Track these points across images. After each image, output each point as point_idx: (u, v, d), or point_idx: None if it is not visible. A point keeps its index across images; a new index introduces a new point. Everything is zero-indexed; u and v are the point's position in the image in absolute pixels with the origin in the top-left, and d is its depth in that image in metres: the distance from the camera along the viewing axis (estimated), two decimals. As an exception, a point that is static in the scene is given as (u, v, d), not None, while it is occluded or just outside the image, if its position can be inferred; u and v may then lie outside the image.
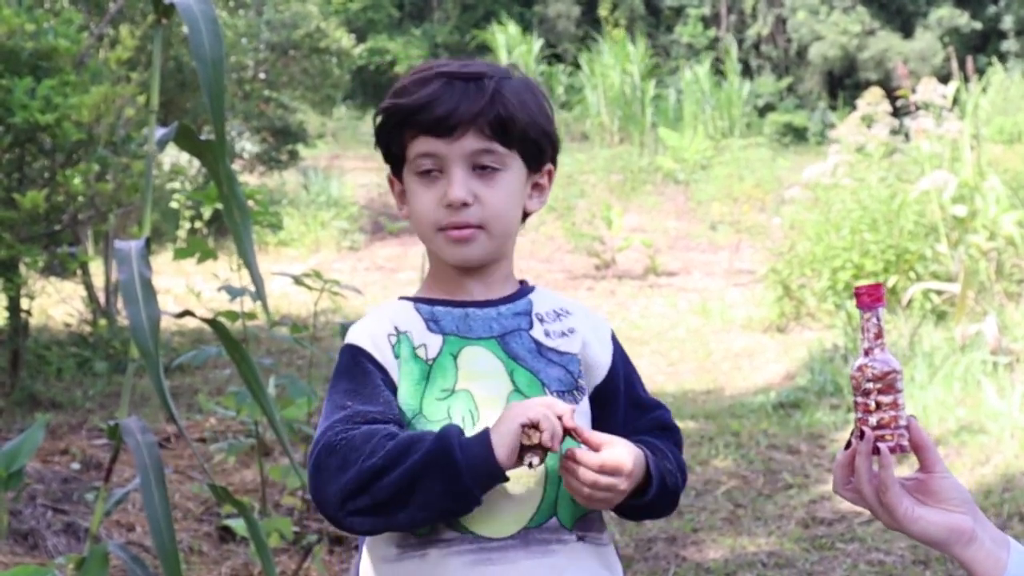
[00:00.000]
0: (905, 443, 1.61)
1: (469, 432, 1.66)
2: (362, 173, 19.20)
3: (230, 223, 2.69)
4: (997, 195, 8.54)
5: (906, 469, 1.75)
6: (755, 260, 11.44)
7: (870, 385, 1.61)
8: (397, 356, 1.75)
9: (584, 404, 1.80)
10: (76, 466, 5.15)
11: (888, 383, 1.60)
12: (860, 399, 1.62)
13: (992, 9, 28.87)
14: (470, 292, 1.81)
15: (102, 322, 7.65)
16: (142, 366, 2.51)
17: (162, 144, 2.68)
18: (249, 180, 14.30)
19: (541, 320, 1.83)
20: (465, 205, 1.74)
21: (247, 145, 14.25)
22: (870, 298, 1.62)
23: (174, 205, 11.08)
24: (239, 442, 4.36)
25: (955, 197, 8.40)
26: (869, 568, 4.33)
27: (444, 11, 30.36)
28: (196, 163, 11.26)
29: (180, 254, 3.58)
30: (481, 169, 1.75)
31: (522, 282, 1.88)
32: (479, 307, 1.81)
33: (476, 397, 1.74)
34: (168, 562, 2.45)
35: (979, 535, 1.62)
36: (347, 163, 20.05)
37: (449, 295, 1.82)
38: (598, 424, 1.81)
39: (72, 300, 7.97)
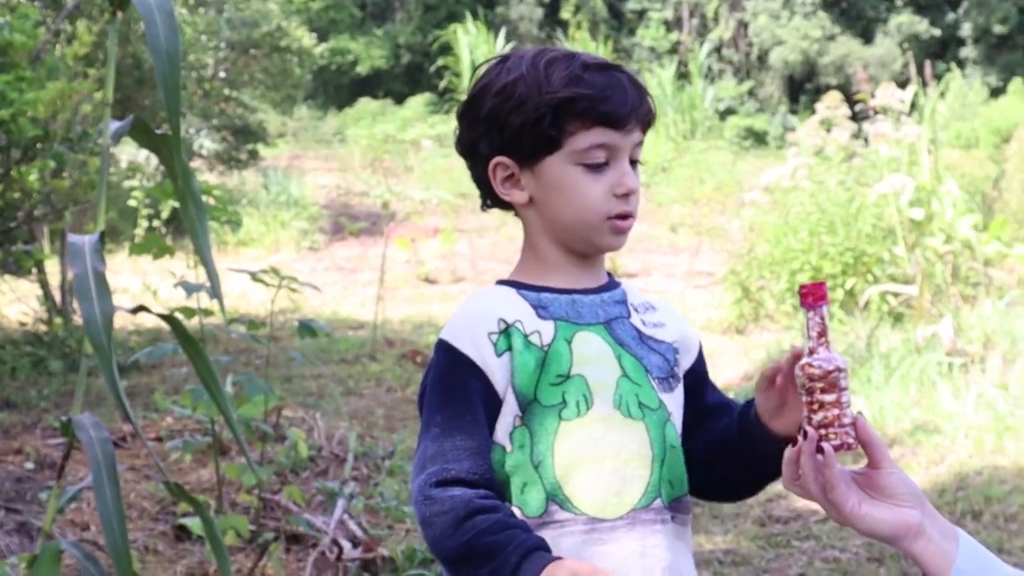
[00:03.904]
0: (851, 440, 1.61)
1: (581, 416, 1.73)
2: (323, 173, 19.17)
3: (186, 218, 2.66)
4: (954, 199, 8.61)
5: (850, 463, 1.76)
6: (715, 262, 11.49)
7: (813, 384, 1.61)
8: (500, 353, 1.76)
9: (679, 392, 1.85)
10: (30, 465, 5.11)
11: (831, 382, 1.61)
12: (805, 398, 1.62)
13: (951, 16, 29.13)
14: (573, 280, 1.84)
15: (57, 321, 7.59)
16: (97, 363, 2.48)
17: (117, 137, 2.65)
18: (209, 179, 14.23)
19: (636, 310, 1.87)
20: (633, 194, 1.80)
21: (207, 143, 14.19)
22: (813, 297, 1.63)
23: (132, 203, 11.02)
24: (195, 440, 4.33)
25: (912, 201, 8.46)
26: (824, 565, 4.35)
27: (406, 12, 30.35)
28: (154, 160, 11.19)
29: (136, 249, 3.56)
30: (632, 163, 1.81)
31: (609, 274, 1.91)
32: (583, 294, 1.84)
33: (589, 382, 1.76)
34: (119, 558, 2.43)
35: (927, 529, 1.62)
36: (307, 163, 20.02)
37: (549, 282, 1.84)
38: (690, 407, 1.87)
39: (27, 299, 7.90)
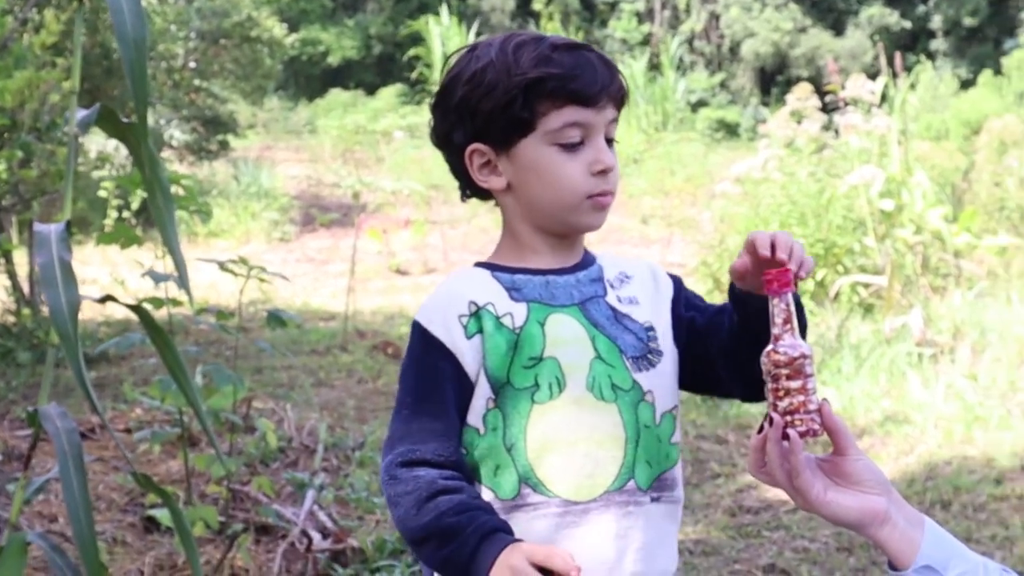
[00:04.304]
0: (816, 427, 1.61)
1: (553, 399, 1.74)
2: (293, 164, 19.11)
3: (153, 208, 2.65)
4: (924, 190, 8.65)
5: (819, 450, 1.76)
6: (686, 253, 11.50)
7: (778, 371, 1.61)
8: (470, 336, 1.76)
9: (663, 365, 1.83)
10: (-2, 456, 5.08)
11: (796, 368, 1.61)
12: (770, 385, 1.62)
13: (921, 8, 29.24)
14: (548, 261, 1.84)
15: (26, 311, 7.54)
16: (64, 354, 2.46)
17: (84, 126, 2.63)
18: (179, 170, 14.16)
19: (612, 286, 1.86)
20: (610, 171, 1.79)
21: (177, 134, 14.12)
22: (779, 283, 1.62)
23: (102, 193, 10.95)
24: (163, 431, 4.31)
25: (883, 192, 8.49)
26: (794, 555, 4.36)
27: (378, 2, 30.28)
28: (123, 150, 11.13)
29: (104, 239, 3.53)
30: (608, 141, 1.80)
31: (586, 250, 1.91)
32: (558, 274, 1.83)
33: (562, 364, 1.76)
34: (87, 550, 2.42)
35: (893, 516, 1.62)
36: (278, 154, 19.95)
37: (526, 263, 1.84)
38: (694, 339, 1.85)
39: (-5, 289, 7.85)
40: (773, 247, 1.66)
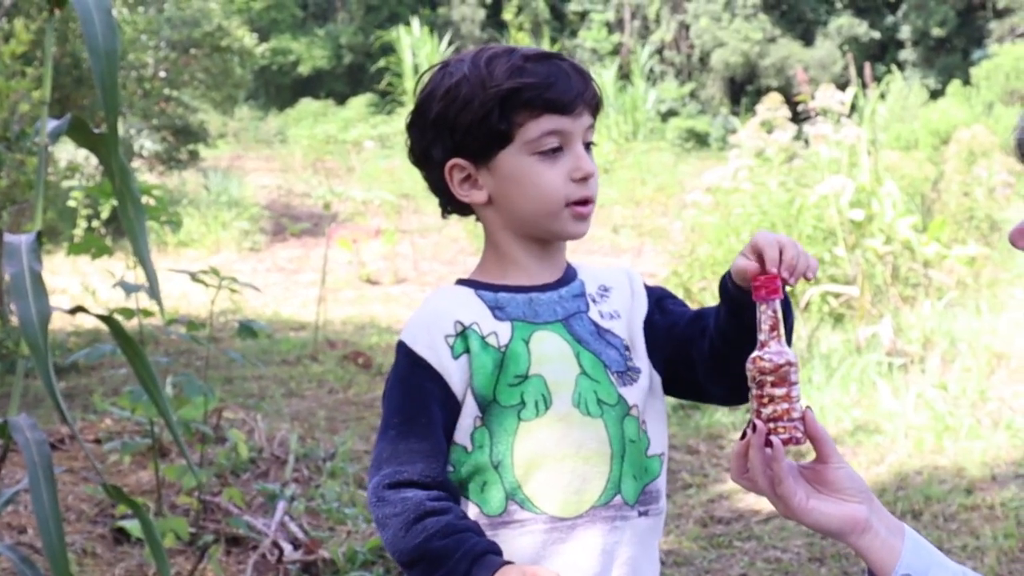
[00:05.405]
0: (799, 435, 1.62)
1: (540, 416, 1.74)
2: (264, 174, 19.07)
3: (124, 218, 2.64)
4: (893, 200, 8.69)
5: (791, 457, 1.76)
6: (657, 263, 11.51)
7: (763, 378, 1.62)
8: (457, 356, 1.76)
9: (643, 380, 1.83)
10: (-34, 468, 5.03)
11: (781, 376, 1.61)
12: (755, 391, 1.63)
13: (890, 19, 29.44)
14: (534, 275, 1.84)
15: (-6, 321, 7.48)
16: (34, 364, 2.44)
17: (54, 136, 2.62)
18: (149, 179, 14.11)
19: (594, 300, 1.86)
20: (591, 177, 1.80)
21: (147, 144, 14.07)
22: (766, 290, 1.63)
23: (71, 203, 10.90)
24: (134, 442, 4.29)
25: (853, 202, 8.52)
26: (766, 565, 4.37)
27: (348, 12, 30.27)
28: (93, 160, 11.07)
29: (74, 249, 3.52)
30: (585, 146, 1.81)
31: (568, 264, 1.91)
32: (541, 291, 1.83)
33: (548, 381, 1.77)
34: (56, 561, 2.40)
35: (874, 524, 1.63)
36: (248, 163, 19.90)
37: (509, 280, 1.84)
38: (673, 343, 1.84)
39: (-36, 299, 7.78)
40: (782, 258, 1.66)
